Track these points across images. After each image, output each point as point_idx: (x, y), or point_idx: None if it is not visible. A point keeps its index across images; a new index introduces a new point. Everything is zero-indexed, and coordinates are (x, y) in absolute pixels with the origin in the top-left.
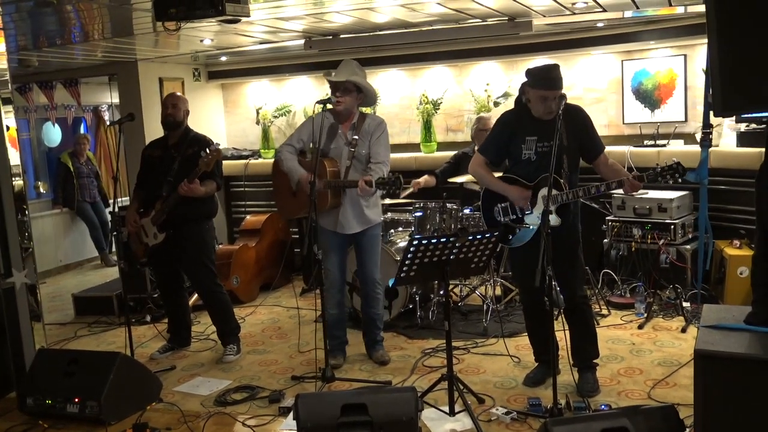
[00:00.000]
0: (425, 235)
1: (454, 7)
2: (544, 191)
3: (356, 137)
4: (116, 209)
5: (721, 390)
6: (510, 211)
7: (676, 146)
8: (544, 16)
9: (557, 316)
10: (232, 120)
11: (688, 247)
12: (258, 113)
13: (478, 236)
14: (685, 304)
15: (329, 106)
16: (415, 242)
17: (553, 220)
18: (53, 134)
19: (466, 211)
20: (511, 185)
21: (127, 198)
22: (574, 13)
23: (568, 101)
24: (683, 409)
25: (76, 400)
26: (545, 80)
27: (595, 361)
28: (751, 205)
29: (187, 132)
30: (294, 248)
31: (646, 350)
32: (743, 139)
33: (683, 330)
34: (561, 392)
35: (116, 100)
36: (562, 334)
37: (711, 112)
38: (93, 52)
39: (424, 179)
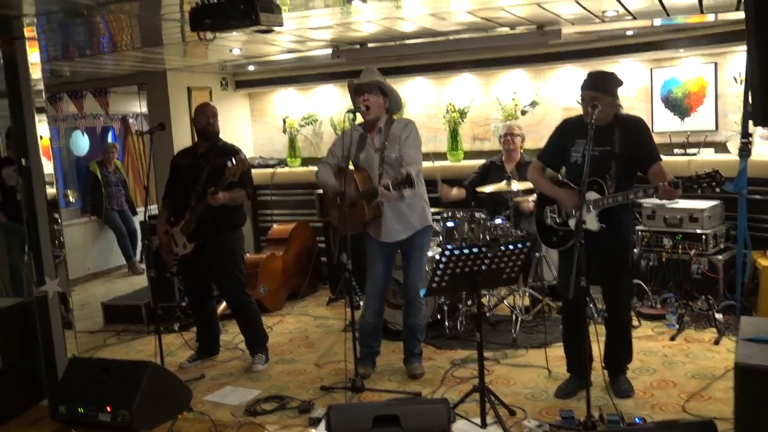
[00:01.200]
0: (454, 245)
1: (483, 15)
2: (590, 195)
3: (385, 142)
4: (146, 218)
5: (762, 404)
6: (557, 213)
7: (707, 155)
8: (573, 24)
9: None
10: (259, 129)
11: (720, 257)
12: (285, 122)
13: (510, 247)
14: (718, 316)
15: (359, 114)
16: (447, 253)
17: (594, 225)
18: (82, 143)
19: (497, 221)
20: (561, 188)
21: (155, 206)
22: (604, 21)
23: (627, 114)
24: (720, 423)
25: (108, 408)
26: (587, 82)
27: (627, 365)
28: None
29: (216, 141)
30: (320, 257)
31: (678, 362)
32: None
33: (716, 342)
34: (593, 405)
35: (144, 109)
36: (596, 346)
37: (750, 121)
38: (122, 62)
39: (456, 192)
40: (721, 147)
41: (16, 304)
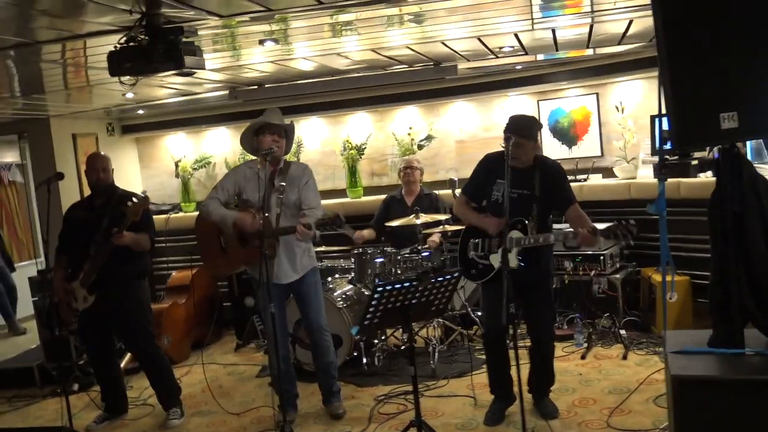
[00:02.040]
0: (368, 280)
1: (385, 54)
2: (511, 233)
3: (283, 184)
4: (45, 271)
5: (700, 412)
6: (480, 247)
7: (596, 180)
8: (468, 60)
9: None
10: (149, 174)
11: (618, 276)
12: (177, 166)
13: (440, 278)
14: (621, 332)
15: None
16: (380, 289)
17: (513, 262)
18: None
19: (425, 254)
20: (482, 217)
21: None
22: (497, 57)
23: (546, 157)
24: None
25: None
26: (510, 126)
27: (550, 388)
28: (673, 233)
29: (113, 190)
30: (223, 303)
31: (594, 379)
32: (658, 170)
33: (624, 357)
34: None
35: (18, 159)
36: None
37: (664, 146)
38: (2, 110)
39: (367, 233)
40: (608, 172)
41: None
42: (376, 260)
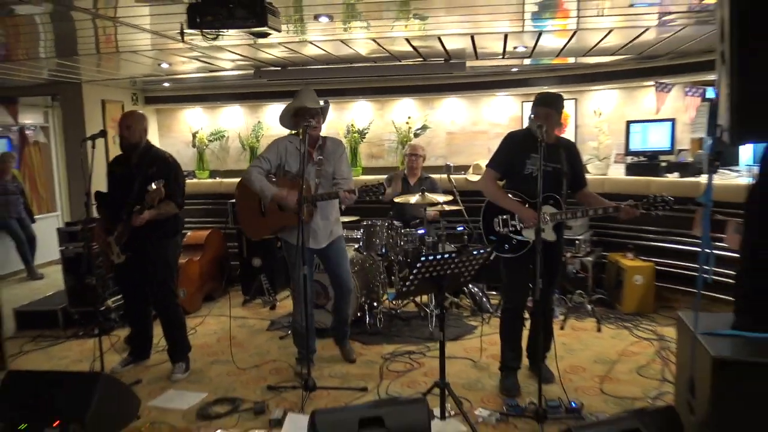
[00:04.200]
0: (372, 249)
1: (419, 45)
2: (545, 209)
3: (321, 157)
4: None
5: (739, 391)
6: (509, 223)
7: None
8: (477, 59)
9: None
10: (166, 143)
11: (589, 258)
12: (195, 136)
13: (475, 252)
14: (589, 307)
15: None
16: (423, 259)
17: (552, 236)
18: None
19: (420, 231)
20: (520, 206)
21: (51, 213)
22: (504, 58)
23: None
24: (638, 402)
25: (56, 423)
26: (543, 100)
27: (547, 354)
28: (636, 224)
29: (147, 150)
30: (231, 262)
31: (577, 349)
32: (631, 169)
33: (598, 330)
34: (524, 392)
35: (39, 120)
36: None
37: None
38: (39, 71)
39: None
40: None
41: None
42: (384, 233)
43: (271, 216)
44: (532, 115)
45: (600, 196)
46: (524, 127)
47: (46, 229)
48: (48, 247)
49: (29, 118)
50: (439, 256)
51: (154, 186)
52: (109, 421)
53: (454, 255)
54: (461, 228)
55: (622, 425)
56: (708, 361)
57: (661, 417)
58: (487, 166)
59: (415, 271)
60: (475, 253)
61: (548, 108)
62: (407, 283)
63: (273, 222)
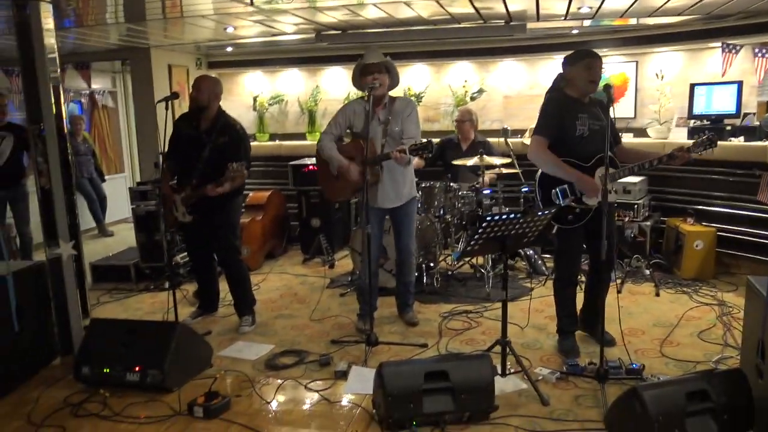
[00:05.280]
0: (430, 211)
1: (480, 6)
2: (600, 171)
3: (389, 117)
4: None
5: None
6: (569, 193)
7: (627, 138)
8: (539, 20)
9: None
10: (228, 106)
11: (648, 223)
12: (255, 100)
13: (539, 213)
14: (647, 272)
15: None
16: (488, 219)
17: (614, 196)
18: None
19: (486, 191)
20: (581, 175)
21: (120, 174)
22: (566, 18)
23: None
24: (703, 365)
25: (137, 368)
26: (587, 51)
27: None
28: (702, 190)
29: (219, 116)
30: (291, 222)
31: (635, 312)
32: (693, 132)
33: (657, 294)
34: (583, 353)
35: (107, 85)
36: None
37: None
38: (108, 37)
39: (416, 161)
40: (639, 132)
41: (30, 267)
42: (443, 194)
43: (344, 180)
44: (570, 74)
45: (638, 148)
46: (558, 87)
47: (115, 189)
48: (117, 206)
49: (98, 83)
50: (504, 216)
51: (236, 166)
52: (185, 367)
53: (519, 215)
54: (526, 189)
55: (689, 386)
56: None
57: (728, 379)
58: (534, 134)
59: (480, 231)
60: (539, 213)
61: (599, 60)
62: (472, 243)
63: (346, 185)
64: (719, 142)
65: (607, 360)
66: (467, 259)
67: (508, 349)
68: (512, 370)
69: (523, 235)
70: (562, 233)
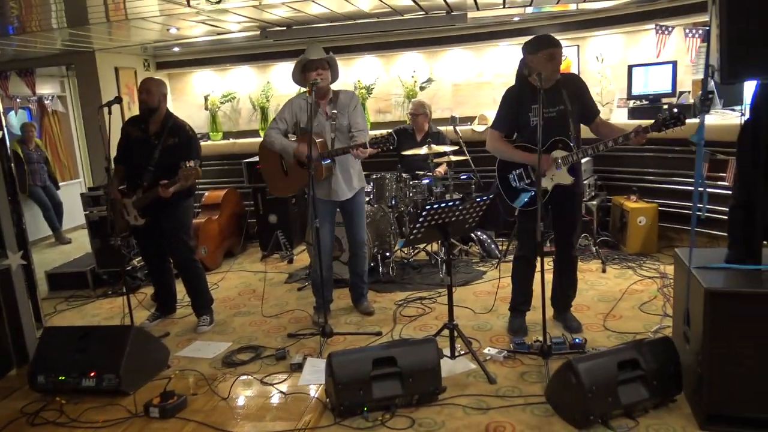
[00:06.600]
0: (383, 201)
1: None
2: (555, 153)
3: (335, 111)
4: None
5: (728, 320)
6: (525, 176)
7: None
8: (478, 9)
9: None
10: (179, 106)
11: (594, 203)
12: (206, 99)
13: (478, 199)
14: (594, 249)
15: (314, 86)
16: (428, 207)
17: (567, 179)
18: (16, 123)
19: (425, 181)
20: (529, 155)
21: (74, 180)
22: (505, 6)
23: (564, 72)
24: (639, 336)
25: (92, 374)
26: (549, 41)
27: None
28: (639, 167)
29: (167, 118)
30: (248, 219)
31: (582, 289)
32: (633, 113)
33: (603, 270)
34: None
35: (56, 90)
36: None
37: (710, 80)
38: (53, 42)
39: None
40: None
41: None
42: (393, 185)
43: (293, 174)
44: (520, 68)
45: (615, 125)
46: (521, 74)
47: (70, 195)
48: (73, 212)
49: (47, 89)
50: (443, 204)
51: (190, 164)
52: (142, 370)
53: (457, 202)
54: (465, 176)
55: (620, 356)
56: (701, 293)
57: (657, 347)
58: (490, 127)
59: (421, 219)
60: (478, 200)
61: (556, 48)
62: (414, 231)
63: (296, 180)
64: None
65: (552, 337)
66: (423, 246)
67: (456, 332)
68: (462, 352)
69: (464, 221)
70: (523, 214)
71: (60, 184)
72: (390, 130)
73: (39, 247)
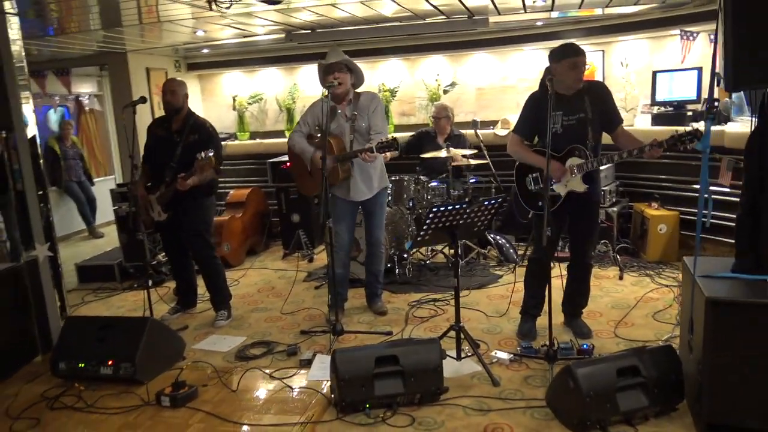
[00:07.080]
0: (401, 203)
1: (439, 3)
2: (571, 161)
3: (355, 113)
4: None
5: (728, 328)
6: (540, 180)
7: None
8: (500, 14)
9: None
10: (209, 107)
11: (615, 209)
12: (234, 100)
13: (486, 203)
14: (616, 256)
15: (330, 90)
16: (435, 209)
17: (581, 186)
18: (54, 120)
19: (433, 183)
20: (544, 159)
21: (108, 177)
22: (525, 11)
23: (588, 80)
24: (648, 344)
25: (110, 362)
26: (573, 49)
27: (583, 309)
28: (666, 174)
29: (188, 117)
30: (272, 218)
31: (596, 296)
32: (657, 119)
33: (620, 278)
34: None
35: (93, 89)
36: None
37: (716, 88)
38: (88, 43)
39: (388, 155)
40: None
41: (9, 269)
42: (411, 187)
43: (315, 175)
44: (544, 76)
45: (635, 137)
46: (543, 83)
47: (105, 191)
48: (107, 208)
49: (84, 88)
50: (450, 207)
51: (203, 155)
52: (157, 360)
53: (464, 205)
54: (474, 180)
55: (620, 363)
56: (702, 302)
57: (658, 355)
58: (512, 131)
59: (428, 221)
60: (486, 203)
61: (582, 57)
62: (421, 233)
63: (318, 180)
64: (680, 128)
65: (560, 342)
66: (440, 248)
67: (463, 334)
68: (469, 354)
69: (472, 224)
70: (537, 219)
71: (95, 180)
72: (394, 135)
73: (73, 240)
